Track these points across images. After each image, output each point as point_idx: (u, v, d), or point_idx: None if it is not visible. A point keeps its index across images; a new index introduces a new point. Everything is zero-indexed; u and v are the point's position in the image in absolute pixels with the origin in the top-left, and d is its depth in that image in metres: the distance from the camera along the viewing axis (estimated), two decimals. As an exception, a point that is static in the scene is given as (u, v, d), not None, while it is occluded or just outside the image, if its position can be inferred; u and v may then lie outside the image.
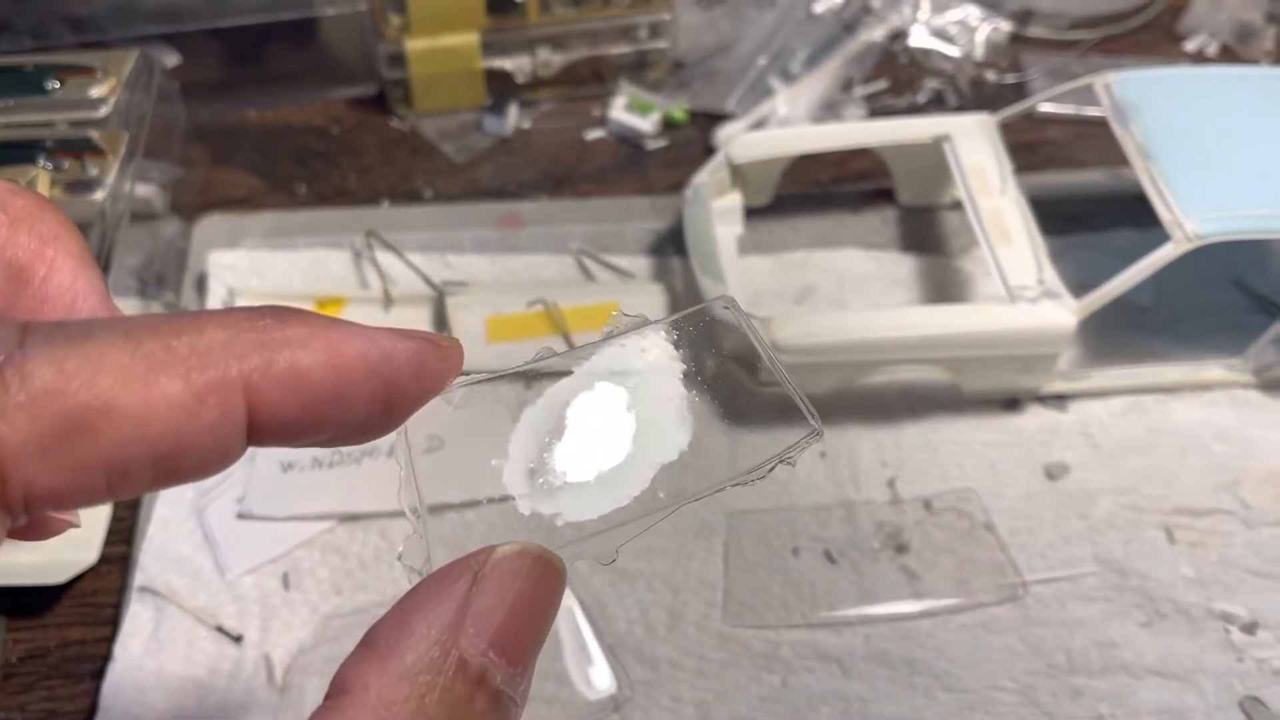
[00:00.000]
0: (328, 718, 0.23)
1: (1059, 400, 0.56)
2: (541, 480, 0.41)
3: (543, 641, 0.27)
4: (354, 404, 0.25)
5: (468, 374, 0.40)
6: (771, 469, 0.31)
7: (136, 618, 0.49)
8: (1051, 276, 0.53)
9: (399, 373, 0.26)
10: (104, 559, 0.51)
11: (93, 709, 0.46)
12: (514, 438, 0.41)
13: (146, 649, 0.48)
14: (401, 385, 0.27)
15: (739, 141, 0.60)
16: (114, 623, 0.49)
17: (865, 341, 0.51)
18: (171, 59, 0.69)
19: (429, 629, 0.24)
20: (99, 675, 0.47)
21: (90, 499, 0.22)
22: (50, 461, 0.21)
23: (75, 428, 0.21)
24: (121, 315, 0.26)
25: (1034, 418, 0.56)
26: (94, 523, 0.52)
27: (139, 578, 0.50)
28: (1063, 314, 0.51)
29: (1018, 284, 0.52)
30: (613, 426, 0.38)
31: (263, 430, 0.24)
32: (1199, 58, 0.76)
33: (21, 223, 0.27)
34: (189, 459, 0.23)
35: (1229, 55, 0.76)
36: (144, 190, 0.59)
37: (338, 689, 0.24)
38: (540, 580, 0.27)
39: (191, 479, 0.24)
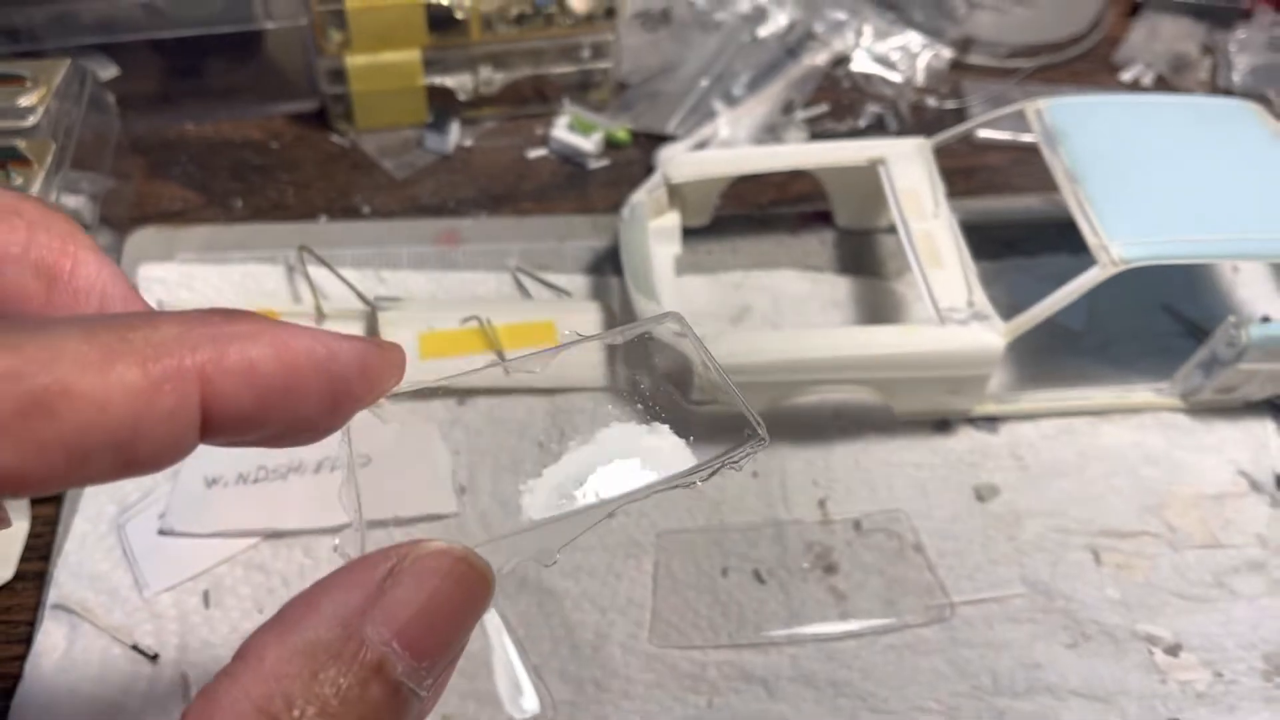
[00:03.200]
0: (220, 683, 0.23)
1: (990, 422, 0.57)
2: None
3: (459, 644, 0.26)
4: (302, 398, 0.26)
5: (397, 393, 0.40)
6: (715, 471, 0.31)
7: (49, 636, 0.47)
8: (981, 299, 0.53)
9: (345, 369, 0.27)
10: (19, 575, 0.50)
11: (2, 730, 0.45)
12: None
13: (59, 667, 0.46)
14: (347, 382, 0.28)
15: (676, 161, 0.60)
16: (27, 641, 0.48)
17: (796, 361, 0.52)
18: (109, 71, 0.69)
19: (335, 609, 0.24)
20: (8, 694, 0.46)
21: (49, 482, 0.22)
22: (11, 440, 0.21)
23: (35, 408, 0.22)
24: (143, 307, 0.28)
25: (965, 439, 0.56)
26: (10, 538, 0.51)
27: (54, 595, 0.49)
28: (991, 336, 0.52)
29: (948, 306, 0.53)
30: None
31: (215, 421, 0.25)
32: (1135, 87, 0.78)
33: (38, 224, 0.27)
34: (145, 446, 0.23)
35: (1164, 85, 0.78)
36: (73, 201, 0.58)
37: (238, 656, 0.24)
38: (460, 581, 0.27)
39: (147, 469, 0.24)
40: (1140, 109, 0.59)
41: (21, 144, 0.54)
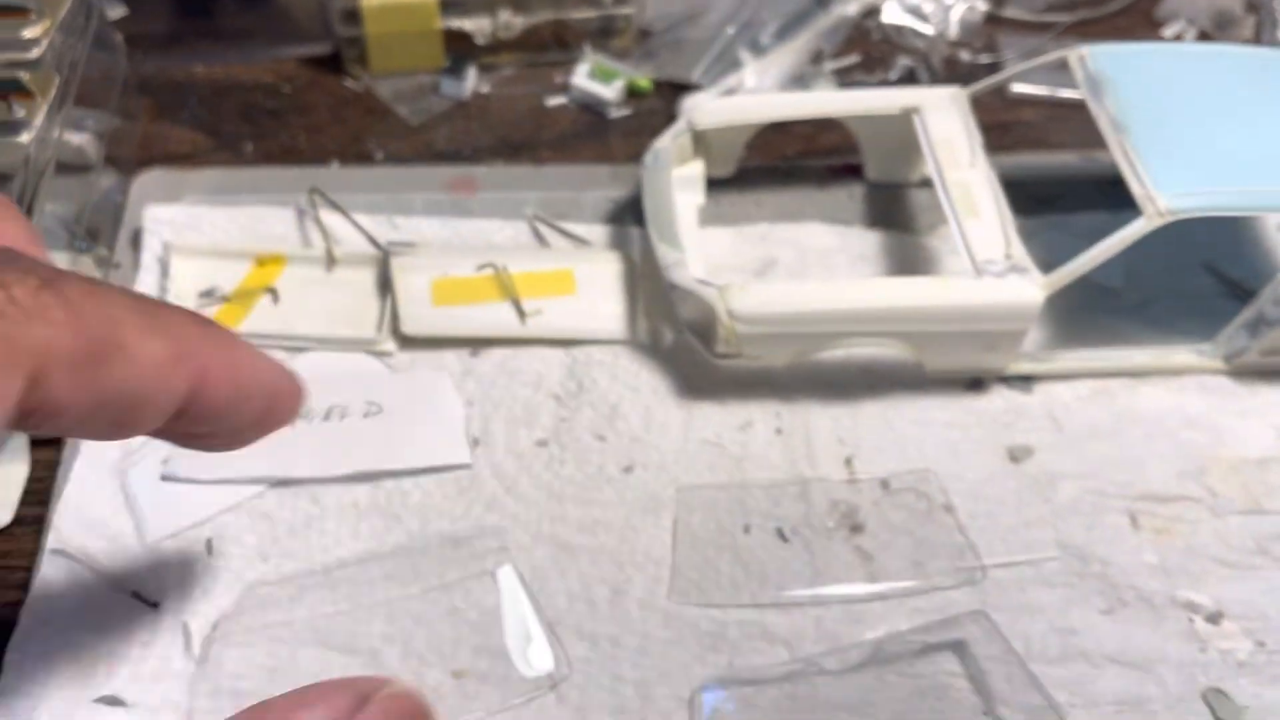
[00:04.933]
0: None
1: (1024, 382, 0.54)
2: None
3: None
4: (250, 409, 0.33)
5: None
6: None
7: (47, 581, 0.46)
8: (1019, 251, 0.51)
9: (279, 396, 0.35)
10: (18, 520, 0.48)
11: (-4, 677, 0.43)
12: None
13: (55, 614, 0.45)
14: (279, 406, 0.35)
15: (702, 107, 0.58)
16: (24, 587, 0.46)
17: (825, 313, 0.49)
18: (117, 10, 0.67)
19: None
20: (4, 641, 0.44)
21: (73, 421, 0.27)
22: (72, 377, 0.26)
23: (98, 355, 0.26)
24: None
25: (997, 399, 0.54)
26: (9, 482, 0.49)
27: (52, 540, 0.47)
28: (1030, 289, 0.49)
29: (984, 258, 0.51)
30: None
31: (195, 407, 0.30)
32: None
33: None
34: (147, 414, 0.29)
35: (1207, 42, 0.75)
36: (77, 139, 0.56)
37: None
38: (413, 715, 0.31)
39: (126, 433, 0.30)
40: (1188, 57, 0.56)
41: (24, 76, 0.52)
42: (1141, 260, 0.57)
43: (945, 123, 0.57)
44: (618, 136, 0.66)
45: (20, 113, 0.51)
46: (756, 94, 0.66)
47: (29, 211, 0.49)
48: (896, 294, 0.50)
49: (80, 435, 0.31)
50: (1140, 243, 0.49)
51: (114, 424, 0.28)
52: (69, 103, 0.54)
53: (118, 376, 0.27)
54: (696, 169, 0.59)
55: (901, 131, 0.60)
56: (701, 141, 0.59)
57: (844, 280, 0.57)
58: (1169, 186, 0.49)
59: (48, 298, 0.25)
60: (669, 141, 0.57)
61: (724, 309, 0.49)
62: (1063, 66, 0.56)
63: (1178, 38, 0.75)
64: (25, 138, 0.50)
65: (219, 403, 0.31)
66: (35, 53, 0.53)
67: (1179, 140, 0.51)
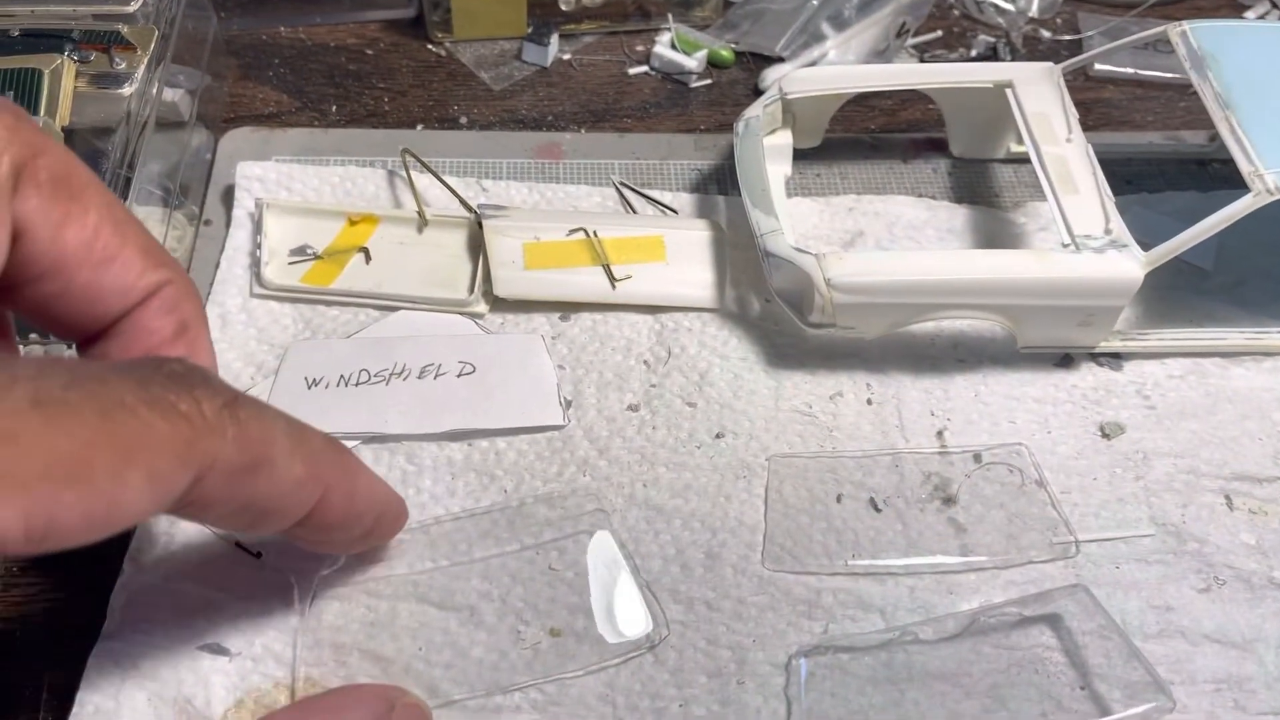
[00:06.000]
0: None
1: (1114, 359, 0.54)
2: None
3: None
4: (357, 526, 0.39)
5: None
6: None
7: (149, 529, 0.46)
8: (1119, 227, 0.50)
9: (384, 517, 0.42)
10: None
11: (98, 623, 0.44)
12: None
13: (158, 562, 0.45)
14: (382, 526, 0.42)
15: (794, 76, 0.58)
16: (124, 534, 0.46)
17: (924, 284, 0.49)
18: (203, -31, 0.67)
19: None
20: (107, 588, 0.45)
21: (213, 519, 0.33)
22: (227, 488, 0.30)
23: (252, 469, 0.31)
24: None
25: (1088, 375, 0.54)
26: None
27: (153, 490, 0.47)
28: (1130, 265, 0.49)
29: (1083, 233, 0.50)
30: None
31: (313, 518, 0.35)
32: (1261, 26, 0.74)
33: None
34: (277, 521, 0.34)
35: (1293, 25, 0.74)
36: (171, 95, 0.56)
37: None
38: None
39: (259, 534, 0.43)
40: (1288, 36, 0.56)
41: (124, 29, 0.52)
42: (1233, 241, 0.57)
43: (1040, 98, 0.56)
44: (699, 106, 0.66)
45: (121, 65, 0.51)
46: (845, 66, 0.65)
47: (130, 169, 0.50)
48: (997, 266, 0.49)
49: (217, 526, 0.38)
50: (1232, 225, 0.48)
51: (248, 525, 0.33)
52: (167, 59, 0.54)
53: (262, 489, 0.32)
54: (785, 139, 0.58)
55: (989, 106, 0.59)
56: (790, 110, 0.58)
57: (947, 251, 0.56)
58: (1277, 164, 0.48)
59: (226, 416, 0.29)
60: (760, 110, 0.57)
61: (822, 278, 0.49)
62: (1154, 45, 0.56)
63: (1261, 18, 0.74)
64: (127, 90, 0.51)
65: (334, 518, 0.36)
66: (134, 6, 0.54)
67: (1284, 118, 0.50)
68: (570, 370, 0.52)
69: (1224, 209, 0.48)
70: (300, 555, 0.46)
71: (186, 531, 0.46)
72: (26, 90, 0.48)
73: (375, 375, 0.50)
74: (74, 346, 0.37)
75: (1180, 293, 0.57)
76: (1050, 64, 0.58)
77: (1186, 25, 0.55)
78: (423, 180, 0.58)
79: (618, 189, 0.59)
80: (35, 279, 0.33)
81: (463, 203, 0.57)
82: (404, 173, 0.58)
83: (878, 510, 0.49)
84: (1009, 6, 0.72)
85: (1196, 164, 0.64)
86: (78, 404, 0.26)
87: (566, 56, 0.68)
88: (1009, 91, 0.57)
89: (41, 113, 0.48)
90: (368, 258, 0.55)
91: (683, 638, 0.45)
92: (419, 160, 0.58)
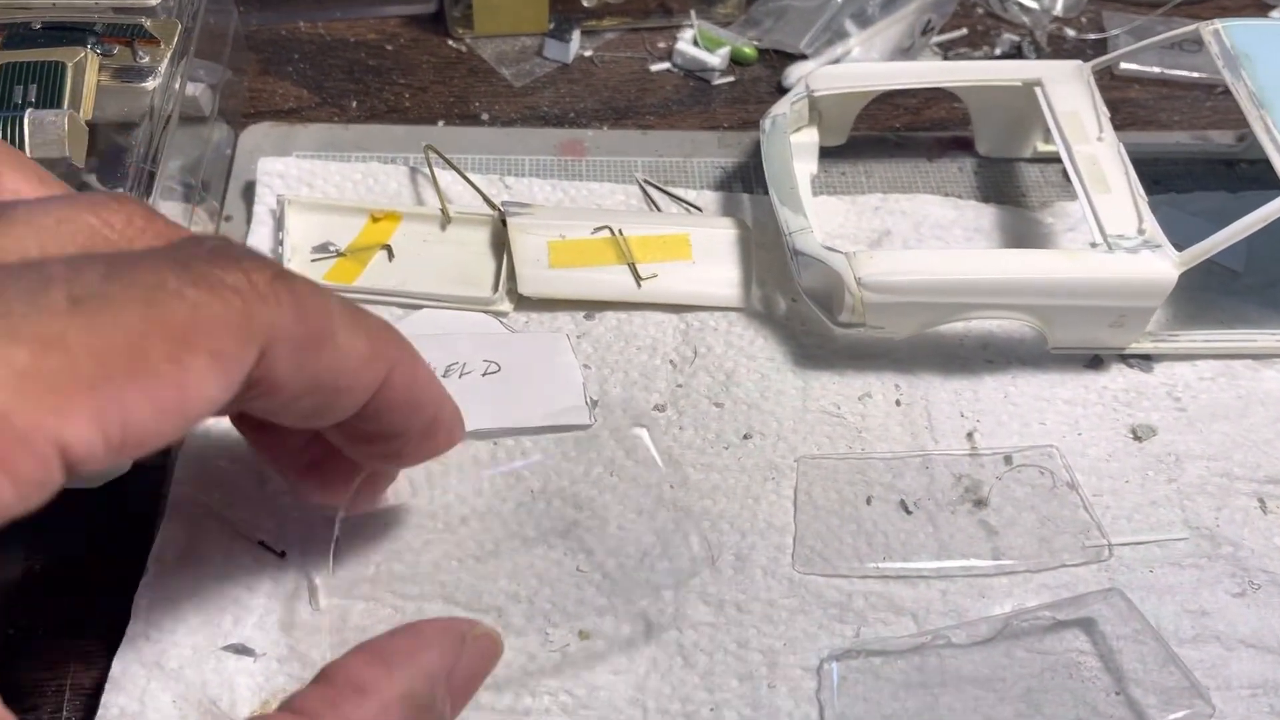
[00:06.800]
0: (320, 706, 0.30)
1: (1144, 360, 0.54)
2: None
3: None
4: (418, 423, 0.36)
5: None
6: None
7: (172, 529, 0.46)
8: (1153, 227, 0.50)
9: (443, 421, 0.38)
10: (138, 466, 0.48)
11: (122, 622, 0.43)
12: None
13: (182, 560, 0.45)
14: (439, 432, 0.38)
15: (820, 73, 0.57)
16: (147, 533, 0.46)
17: (956, 283, 0.49)
18: (222, -36, 0.66)
19: (431, 668, 0.32)
20: (130, 587, 0.44)
21: (281, 406, 0.30)
22: (292, 358, 0.28)
23: (315, 341, 0.29)
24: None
25: (1118, 377, 0.53)
26: (129, 430, 0.49)
27: (174, 488, 0.47)
28: (1165, 265, 0.48)
29: (1116, 233, 0.50)
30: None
31: (376, 402, 0.33)
32: (1287, 26, 0.73)
33: None
34: (344, 402, 0.32)
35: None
36: (193, 89, 0.56)
37: (334, 680, 0.31)
38: (494, 655, 0.36)
39: (325, 423, 0.33)
40: (1322, 36, 0.55)
41: (147, 22, 0.52)
42: (1264, 243, 0.56)
43: (1070, 96, 0.56)
44: (722, 103, 0.66)
45: (144, 59, 0.51)
46: (872, 63, 0.65)
47: (154, 164, 0.49)
48: (1030, 266, 0.49)
49: (283, 419, 0.32)
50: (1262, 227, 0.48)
51: (316, 409, 0.31)
52: (190, 53, 0.53)
53: (327, 364, 0.30)
54: (811, 136, 0.58)
55: (1016, 105, 0.59)
56: (815, 108, 0.58)
57: (978, 250, 0.56)
58: (1313, 164, 0.48)
59: (280, 286, 0.27)
60: (787, 107, 0.57)
61: (852, 277, 0.49)
62: (1180, 44, 0.55)
63: (1287, 19, 0.73)
64: (150, 84, 0.50)
65: (396, 403, 0.33)
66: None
67: (1320, 118, 0.50)
68: (596, 370, 0.52)
69: (1259, 210, 0.48)
70: (322, 553, 0.45)
71: (208, 531, 0.46)
72: (49, 83, 0.48)
73: (400, 373, 0.50)
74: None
75: (1210, 294, 0.56)
76: (1080, 62, 0.58)
77: (1220, 24, 0.54)
78: (445, 177, 0.57)
79: (641, 187, 0.59)
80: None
81: (486, 200, 0.56)
82: (426, 169, 0.57)
83: (908, 512, 0.48)
84: (1034, 4, 0.72)
85: (1225, 164, 0.63)
86: (120, 297, 0.24)
87: (588, 53, 0.68)
88: (1038, 90, 0.56)
89: (65, 106, 0.47)
90: (390, 255, 0.54)
91: (713, 640, 0.44)
92: (442, 157, 0.57)
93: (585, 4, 0.66)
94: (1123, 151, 0.53)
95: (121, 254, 0.27)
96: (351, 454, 0.37)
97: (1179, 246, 0.49)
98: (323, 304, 0.29)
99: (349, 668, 0.31)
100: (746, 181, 0.60)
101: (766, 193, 0.54)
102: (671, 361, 0.52)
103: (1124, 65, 0.68)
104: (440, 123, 0.63)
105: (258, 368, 0.27)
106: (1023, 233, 0.58)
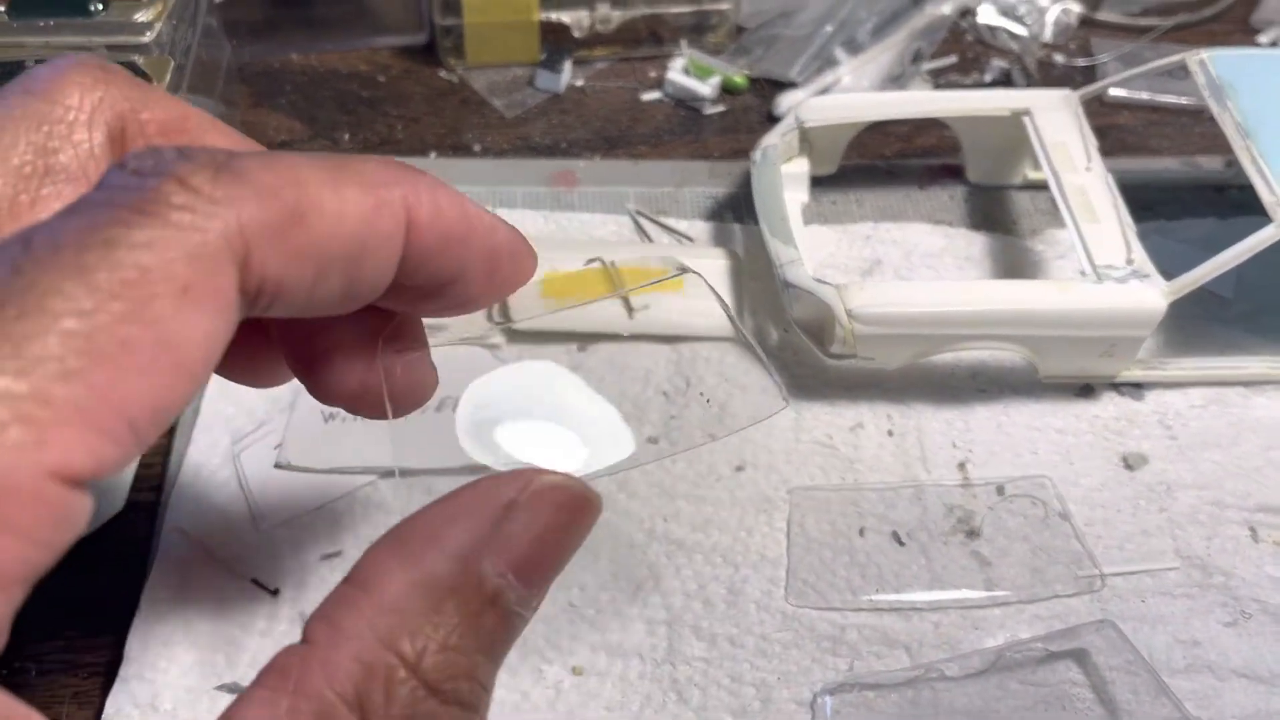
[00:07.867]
0: (340, 608, 0.25)
1: (1135, 389, 0.54)
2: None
3: (564, 566, 0.28)
4: (470, 254, 0.29)
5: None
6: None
7: (165, 568, 0.46)
8: (1141, 257, 0.50)
9: (501, 245, 0.30)
10: (132, 506, 0.48)
11: (115, 662, 0.43)
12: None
13: (175, 600, 0.45)
14: (501, 260, 0.30)
15: (810, 104, 0.58)
16: (139, 572, 0.46)
17: (947, 314, 0.49)
18: (215, -3, 0.67)
19: (457, 545, 0.26)
20: (123, 626, 0.44)
21: (299, 295, 0.25)
22: (277, 247, 0.24)
23: (294, 219, 0.24)
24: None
25: (1109, 405, 0.53)
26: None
27: (168, 527, 0.47)
28: (1153, 295, 0.49)
29: (1105, 263, 0.50)
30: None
31: (409, 257, 0.27)
32: (1274, 50, 0.74)
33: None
34: (369, 266, 0.27)
35: (1306, 49, 0.74)
36: (186, 124, 0.56)
37: (356, 579, 0.25)
38: (573, 513, 0.28)
39: (363, 297, 0.27)
40: (1308, 65, 0.55)
41: (140, 60, 0.52)
42: (1254, 270, 0.57)
43: (1058, 125, 0.56)
44: (713, 133, 0.66)
45: (137, 97, 0.51)
46: (862, 92, 0.65)
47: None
48: (1020, 297, 0.49)
49: (319, 311, 0.27)
50: (1267, 248, 0.48)
51: (345, 290, 0.27)
52: (183, 89, 0.53)
53: (322, 234, 0.25)
54: (802, 167, 0.58)
55: (1006, 133, 0.59)
56: (805, 139, 0.58)
57: (967, 282, 0.56)
58: (1300, 194, 0.48)
59: (226, 180, 0.23)
60: (777, 139, 0.57)
61: (843, 309, 0.49)
62: (1172, 72, 0.56)
63: (1274, 44, 0.74)
64: (143, 122, 0.50)
65: (434, 244, 0.28)
66: (149, 36, 0.54)
67: (1307, 148, 0.50)
68: (588, 402, 0.52)
69: (1246, 239, 0.48)
70: (316, 590, 0.45)
71: (201, 569, 0.46)
72: (42, 123, 0.48)
73: (392, 408, 0.50)
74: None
75: (1201, 320, 0.57)
76: (1068, 91, 0.58)
77: (1205, 54, 0.54)
78: (438, 209, 0.57)
79: (633, 218, 0.59)
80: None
81: (479, 232, 0.56)
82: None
83: (901, 544, 0.48)
84: (1022, 32, 0.72)
85: (1214, 190, 0.64)
86: (48, 281, 0.21)
87: (579, 83, 0.68)
88: (1027, 120, 0.57)
89: (57, 145, 0.47)
90: (384, 288, 0.54)
91: (706, 675, 0.44)
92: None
93: (576, 34, 0.67)
94: (1111, 181, 0.53)
95: (28, 230, 0.23)
96: (424, 314, 0.33)
97: (1168, 275, 0.49)
98: (283, 174, 0.25)
99: (366, 559, 0.26)
100: (737, 210, 0.61)
101: (758, 223, 0.54)
102: (664, 393, 0.53)
103: (1113, 91, 0.69)
104: (432, 154, 0.63)
105: (248, 276, 0.24)
106: (1013, 261, 0.59)
